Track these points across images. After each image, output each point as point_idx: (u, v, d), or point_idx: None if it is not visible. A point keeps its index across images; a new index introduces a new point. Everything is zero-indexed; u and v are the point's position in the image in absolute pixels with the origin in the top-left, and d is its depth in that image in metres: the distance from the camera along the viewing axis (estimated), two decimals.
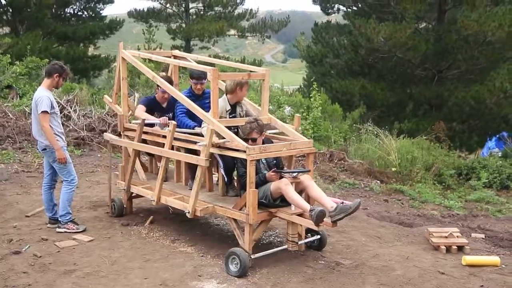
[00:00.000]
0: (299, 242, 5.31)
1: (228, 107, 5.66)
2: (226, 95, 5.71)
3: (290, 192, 4.92)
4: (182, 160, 5.80)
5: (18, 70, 13.44)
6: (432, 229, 6.28)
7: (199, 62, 6.61)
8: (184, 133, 5.65)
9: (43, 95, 5.74)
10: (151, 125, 6.13)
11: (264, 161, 5.30)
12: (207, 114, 5.31)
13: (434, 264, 5.37)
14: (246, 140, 5.13)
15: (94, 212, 6.77)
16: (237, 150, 4.95)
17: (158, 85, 6.29)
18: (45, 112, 5.67)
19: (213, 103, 5.29)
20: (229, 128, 5.26)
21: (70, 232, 5.90)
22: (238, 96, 5.70)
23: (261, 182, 5.08)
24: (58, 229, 5.96)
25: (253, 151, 4.82)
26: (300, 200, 4.92)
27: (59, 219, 5.98)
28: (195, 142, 5.38)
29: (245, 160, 4.83)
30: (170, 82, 6.20)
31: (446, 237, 5.95)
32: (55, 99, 6.01)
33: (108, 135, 6.73)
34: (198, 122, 5.71)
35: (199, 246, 5.59)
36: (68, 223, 5.97)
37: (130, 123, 6.38)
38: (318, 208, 4.71)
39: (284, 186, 4.93)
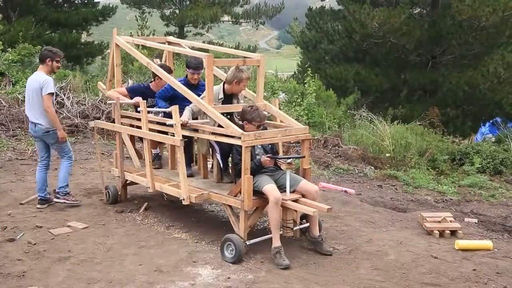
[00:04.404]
0: (294, 228, 5.33)
1: (221, 96, 5.60)
2: (224, 84, 5.67)
3: (274, 214, 4.86)
4: (158, 140, 5.82)
5: (10, 57, 13.32)
6: (425, 214, 6.32)
7: (193, 48, 6.56)
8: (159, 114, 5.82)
9: (48, 78, 5.93)
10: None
11: (260, 146, 5.29)
12: (201, 100, 5.29)
13: (427, 249, 5.42)
14: (241, 127, 5.12)
15: (88, 199, 6.76)
16: (232, 137, 4.94)
17: (154, 74, 6.26)
18: (51, 94, 5.87)
19: (208, 89, 5.26)
20: (222, 114, 5.24)
21: (68, 203, 6.26)
22: (234, 89, 5.61)
23: (257, 167, 5.07)
24: (55, 199, 6.28)
25: (248, 137, 4.81)
26: (276, 228, 4.87)
27: (58, 191, 6.27)
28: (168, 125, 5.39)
29: (241, 146, 4.82)
30: (170, 71, 6.16)
31: (439, 222, 6.00)
32: None
33: (93, 122, 6.80)
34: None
35: (193, 232, 5.61)
36: (66, 195, 6.28)
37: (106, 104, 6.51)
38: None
39: (273, 203, 4.85)
